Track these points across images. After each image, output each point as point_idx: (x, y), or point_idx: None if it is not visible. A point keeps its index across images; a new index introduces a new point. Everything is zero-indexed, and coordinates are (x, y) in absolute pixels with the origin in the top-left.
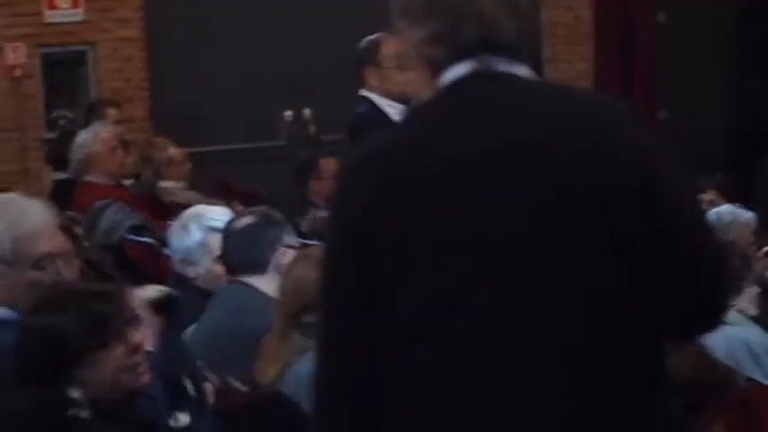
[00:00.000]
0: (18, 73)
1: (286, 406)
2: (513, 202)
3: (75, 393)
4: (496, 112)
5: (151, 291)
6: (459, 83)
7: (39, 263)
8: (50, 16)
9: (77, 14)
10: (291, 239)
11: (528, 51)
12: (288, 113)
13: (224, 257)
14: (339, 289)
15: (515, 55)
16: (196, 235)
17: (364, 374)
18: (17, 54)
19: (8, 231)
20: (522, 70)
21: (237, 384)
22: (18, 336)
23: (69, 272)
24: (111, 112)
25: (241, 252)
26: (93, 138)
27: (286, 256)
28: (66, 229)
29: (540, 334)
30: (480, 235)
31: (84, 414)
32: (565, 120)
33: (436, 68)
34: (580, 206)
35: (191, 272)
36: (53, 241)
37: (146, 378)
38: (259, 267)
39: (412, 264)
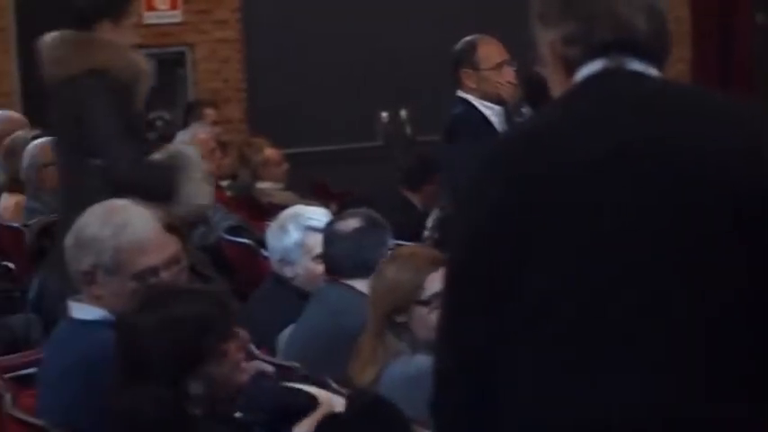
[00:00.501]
0: None
1: (386, 408)
2: (638, 198)
3: (196, 390)
4: (625, 110)
5: None
6: (589, 81)
7: (139, 276)
8: (149, 18)
9: (176, 16)
10: (392, 240)
11: (660, 52)
12: (384, 114)
13: (327, 261)
14: (463, 286)
15: (647, 55)
16: (294, 235)
17: (482, 364)
18: None
19: (111, 241)
20: (653, 70)
21: (335, 385)
22: (137, 334)
23: (177, 275)
24: (209, 112)
25: (347, 256)
26: (191, 139)
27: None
28: (174, 229)
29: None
30: (607, 232)
31: (199, 412)
32: (693, 119)
33: (570, 68)
34: (705, 200)
35: (288, 271)
36: (154, 256)
37: (246, 375)
38: (364, 271)
39: (541, 257)
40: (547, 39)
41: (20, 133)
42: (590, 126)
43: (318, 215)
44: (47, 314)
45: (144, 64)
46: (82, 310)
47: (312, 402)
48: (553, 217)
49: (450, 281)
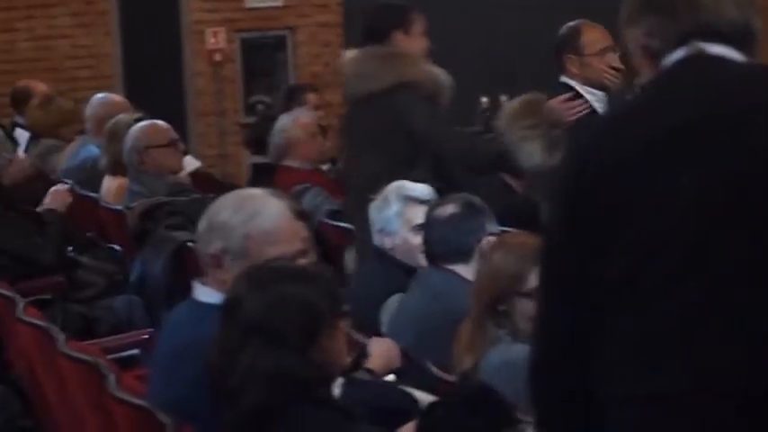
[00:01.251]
0: (218, 58)
1: (491, 395)
2: (710, 169)
3: (318, 361)
4: (703, 90)
5: None
6: (672, 67)
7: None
8: (251, 1)
9: (277, 0)
10: (493, 226)
11: (744, 36)
12: (484, 100)
13: (426, 245)
14: (556, 249)
15: (730, 40)
16: (394, 205)
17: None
18: (217, 39)
19: (242, 228)
20: (737, 54)
21: (436, 371)
22: (261, 304)
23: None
24: (311, 97)
25: (445, 241)
26: (293, 123)
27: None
28: (304, 216)
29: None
30: (685, 196)
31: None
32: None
33: (656, 58)
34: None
35: (388, 242)
36: (282, 247)
37: (348, 359)
38: (463, 256)
39: (628, 220)
40: (633, 35)
41: (122, 116)
42: (669, 106)
43: (420, 188)
44: (148, 296)
45: (443, 77)
46: (205, 293)
47: (412, 404)
48: (640, 192)
49: (542, 266)
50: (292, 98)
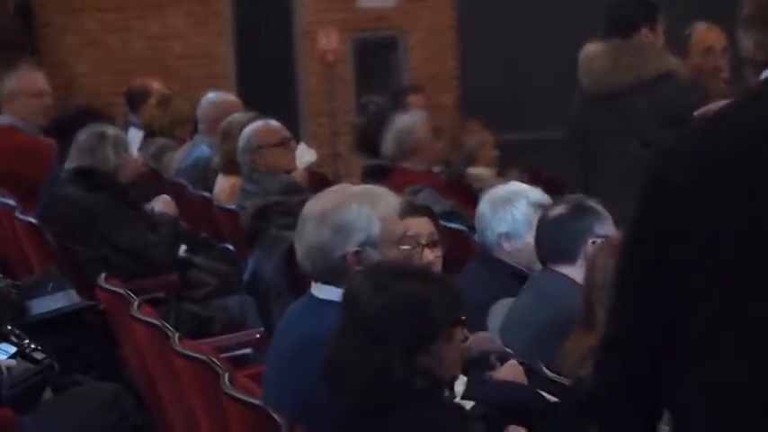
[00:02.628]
0: (330, 58)
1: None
2: None
3: (424, 364)
4: None
5: None
6: (761, 85)
7: (402, 241)
8: (363, 2)
9: (390, 1)
10: (605, 229)
11: None
12: None
13: (536, 247)
14: (638, 257)
15: None
16: (525, 209)
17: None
18: (330, 39)
19: (373, 215)
20: None
21: (549, 373)
22: (375, 302)
23: (433, 256)
24: (414, 98)
25: (550, 242)
26: (419, 125)
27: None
28: (427, 211)
29: None
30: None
31: (421, 385)
32: None
33: (759, 70)
34: None
35: (508, 246)
36: (412, 225)
37: (461, 365)
38: (567, 257)
39: (713, 236)
40: (744, 43)
41: (235, 116)
42: (750, 119)
43: (541, 196)
44: (261, 296)
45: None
46: (323, 290)
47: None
48: (728, 195)
49: (624, 255)
50: (398, 99)
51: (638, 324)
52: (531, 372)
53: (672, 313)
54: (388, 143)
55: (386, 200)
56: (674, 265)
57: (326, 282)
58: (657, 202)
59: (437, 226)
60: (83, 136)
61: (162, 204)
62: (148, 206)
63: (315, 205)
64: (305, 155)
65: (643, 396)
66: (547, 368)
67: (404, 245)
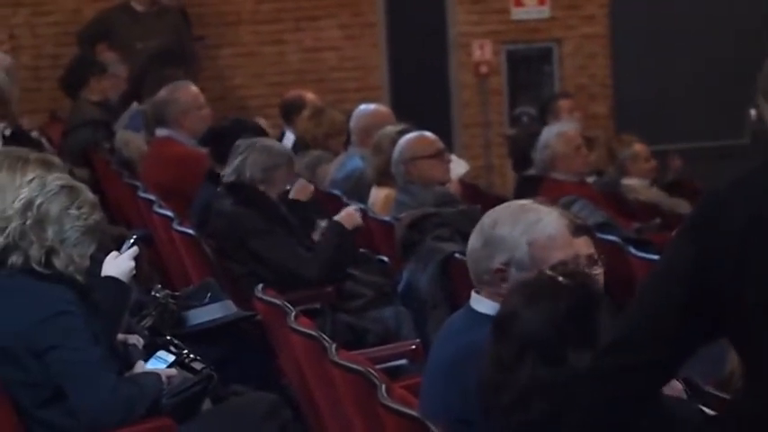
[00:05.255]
0: (484, 69)
1: None
2: None
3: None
4: None
5: None
6: None
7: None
8: (517, 13)
9: (544, 11)
10: None
11: None
12: (753, 112)
13: None
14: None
15: None
16: None
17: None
18: (483, 51)
19: (525, 236)
20: None
21: (710, 389)
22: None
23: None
24: (563, 103)
25: None
26: (556, 137)
27: None
28: (585, 230)
29: None
30: None
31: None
32: None
33: None
34: None
35: None
36: (567, 250)
37: None
38: None
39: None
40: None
41: (388, 127)
42: None
43: None
44: (415, 307)
45: None
46: (481, 303)
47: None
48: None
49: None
50: (547, 108)
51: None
52: (690, 385)
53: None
54: (538, 154)
55: (547, 224)
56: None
57: (479, 289)
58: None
59: (595, 242)
60: (240, 149)
61: (296, 190)
62: (319, 222)
63: (487, 214)
64: (457, 166)
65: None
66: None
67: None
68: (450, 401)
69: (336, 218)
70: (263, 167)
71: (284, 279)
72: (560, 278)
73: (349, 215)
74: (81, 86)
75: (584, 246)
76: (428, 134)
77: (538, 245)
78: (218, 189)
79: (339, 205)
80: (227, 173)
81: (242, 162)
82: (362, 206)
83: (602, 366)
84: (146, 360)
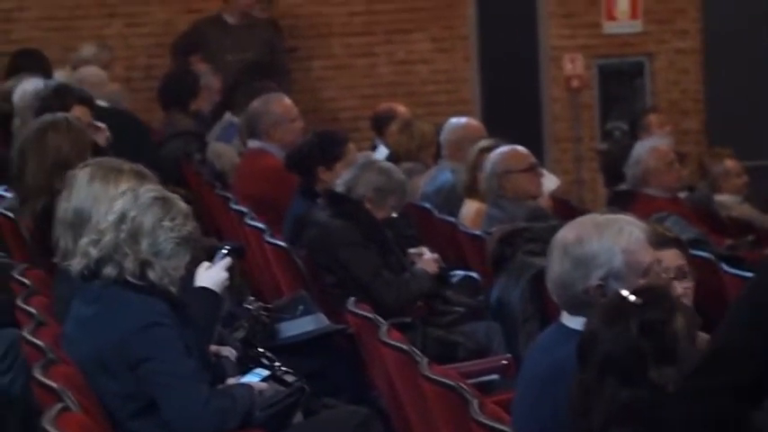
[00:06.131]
0: (575, 84)
1: None
2: None
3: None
4: None
5: None
6: None
7: (647, 272)
8: (609, 27)
9: (636, 26)
10: None
11: None
12: None
13: None
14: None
15: None
16: None
17: None
18: (575, 65)
19: (616, 246)
20: None
21: None
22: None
23: (682, 288)
24: (652, 118)
25: None
26: (648, 153)
27: None
28: (681, 246)
29: None
30: None
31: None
32: None
33: None
34: None
35: None
36: (651, 253)
37: None
38: None
39: None
40: None
41: (480, 141)
42: None
43: None
44: (506, 322)
45: None
46: (572, 319)
47: None
48: None
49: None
50: (637, 123)
51: None
52: None
53: None
54: (630, 169)
55: (630, 230)
56: None
57: (573, 313)
58: None
59: (686, 256)
60: (356, 165)
61: (424, 261)
62: (412, 251)
63: (560, 235)
64: (548, 181)
65: None
66: None
67: (648, 274)
68: (542, 419)
69: (420, 265)
70: (376, 187)
71: (363, 295)
72: (631, 296)
73: (428, 262)
74: (190, 99)
75: (672, 257)
76: (521, 148)
77: (630, 251)
78: (318, 200)
79: (430, 219)
80: (338, 183)
81: (355, 177)
82: (437, 255)
83: (691, 387)
84: (242, 375)
